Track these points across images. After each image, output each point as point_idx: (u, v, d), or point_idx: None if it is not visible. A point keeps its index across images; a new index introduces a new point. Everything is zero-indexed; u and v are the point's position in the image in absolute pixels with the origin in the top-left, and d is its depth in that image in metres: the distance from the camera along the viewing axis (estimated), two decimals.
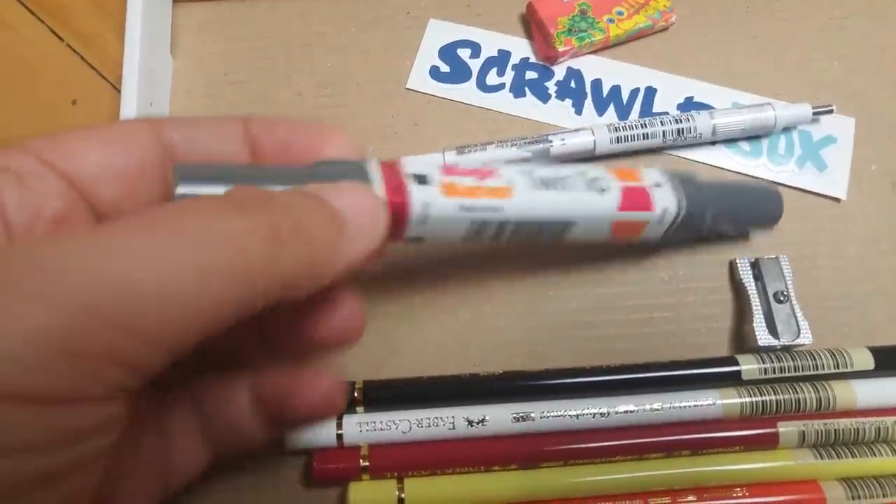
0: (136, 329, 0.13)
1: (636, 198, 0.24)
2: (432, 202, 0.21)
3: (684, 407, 0.26)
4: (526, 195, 0.22)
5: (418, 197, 0.20)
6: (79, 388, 0.13)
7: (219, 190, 0.18)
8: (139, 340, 0.13)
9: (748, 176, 0.31)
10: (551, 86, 0.32)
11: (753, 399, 0.26)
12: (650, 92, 0.32)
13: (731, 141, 0.31)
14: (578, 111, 0.31)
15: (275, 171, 0.19)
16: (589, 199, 0.23)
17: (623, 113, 0.31)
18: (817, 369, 0.26)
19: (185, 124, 0.20)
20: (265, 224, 0.15)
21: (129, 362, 0.13)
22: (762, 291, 0.28)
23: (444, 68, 0.32)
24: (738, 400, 0.26)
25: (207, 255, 0.14)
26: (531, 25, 0.32)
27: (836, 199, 0.30)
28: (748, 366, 0.26)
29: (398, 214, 0.20)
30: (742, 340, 0.28)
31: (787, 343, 0.27)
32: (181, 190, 0.18)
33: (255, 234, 0.15)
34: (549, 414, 0.26)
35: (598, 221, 0.24)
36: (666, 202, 0.25)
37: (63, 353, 0.12)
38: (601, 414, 0.26)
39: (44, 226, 0.18)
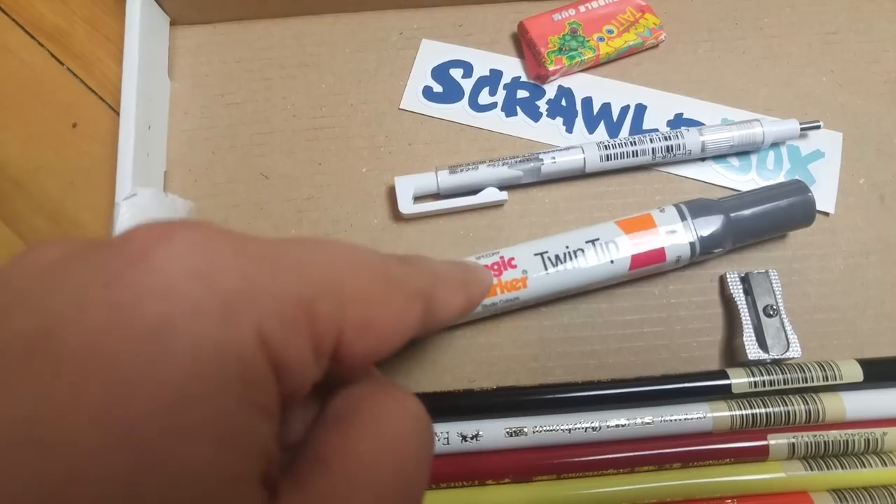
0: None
1: (647, 256, 0.27)
2: None
3: (675, 420, 0.26)
4: (539, 282, 0.26)
5: None
6: None
7: None
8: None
9: (737, 191, 0.31)
10: (542, 104, 0.32)
11: (744, 412, 0.26)
12: (640, 109, 0.32)
13: (720, 157, 0.31)
14: (569, 129, 0.32)
15: None
16: (600, 270, 0.27)
17: (613, 130, 0.32)
18: (807, 382, 0.27)
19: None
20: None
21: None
22: (752, 305, 0.28)
23: (437, 88, 0.32)
24: (728, 413, 0.26)
25: None
26: (522, 44, 0.33)
27: (825, 213, 0.31)
28: (738, 379, 0.27)
29: None
30: (732, 354, 0.29)
31: (776, 357, 0.27)
32: None
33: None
34: (541, 428, 0.26)
35: (611, 280, 0.28)
36: (680, 251, 0.27)
37: None
38: (593, 428, 0.26)
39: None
